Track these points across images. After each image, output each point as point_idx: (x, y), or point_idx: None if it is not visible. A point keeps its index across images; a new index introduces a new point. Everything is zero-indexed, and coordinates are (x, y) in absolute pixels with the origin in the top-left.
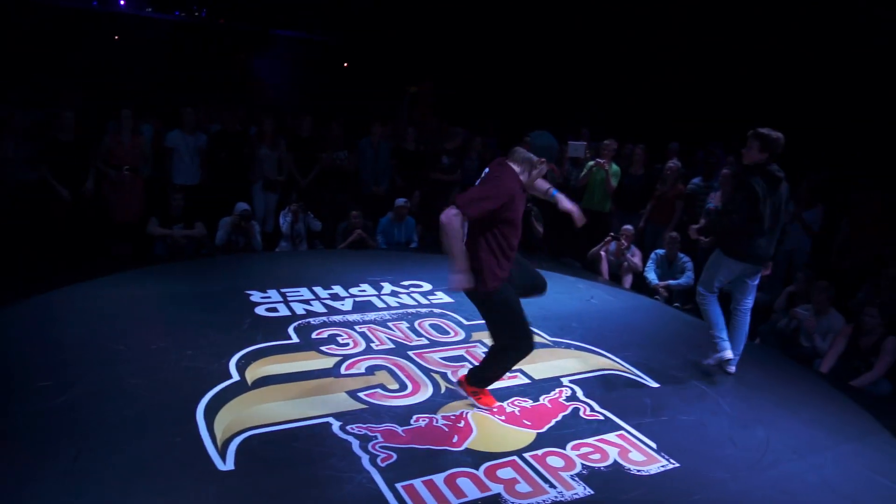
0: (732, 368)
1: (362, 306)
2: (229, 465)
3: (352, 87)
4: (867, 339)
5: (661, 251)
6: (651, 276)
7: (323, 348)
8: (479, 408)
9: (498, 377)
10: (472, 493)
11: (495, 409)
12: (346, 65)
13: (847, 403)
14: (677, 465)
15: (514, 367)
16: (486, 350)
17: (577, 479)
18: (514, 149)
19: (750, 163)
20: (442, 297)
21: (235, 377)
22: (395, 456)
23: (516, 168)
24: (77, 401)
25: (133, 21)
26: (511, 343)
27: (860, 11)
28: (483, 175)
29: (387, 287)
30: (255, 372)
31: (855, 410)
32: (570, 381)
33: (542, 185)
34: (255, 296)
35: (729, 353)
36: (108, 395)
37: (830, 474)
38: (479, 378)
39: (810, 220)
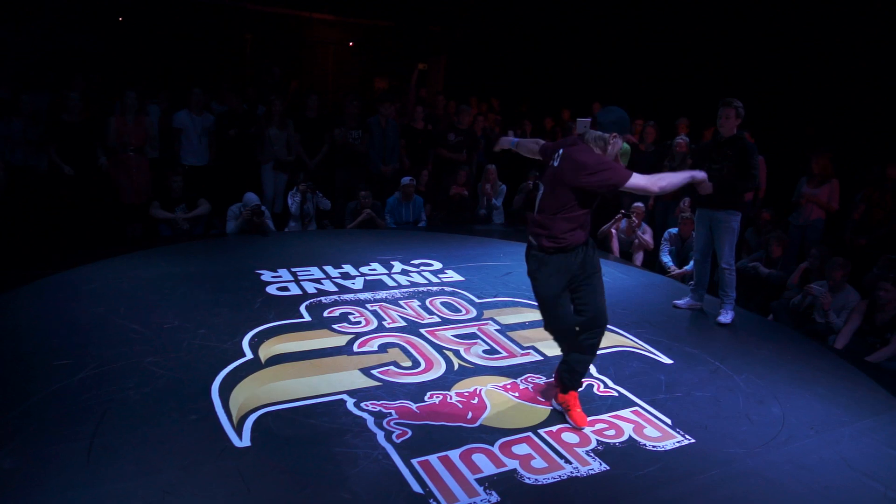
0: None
1: (373, 285)
2: (245, 441)
3: (359, 64)
4: (882, 315)
5: (673, 230)
6: (666, 259)
7: (335, 326)
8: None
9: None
10: (488, 468)
11: (509, 386)
12: (350, 44)
13: (863, 379)
14: (693, 440)
15: (528, 345)
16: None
17: (592, 454)
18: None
19: (730, 134)
20: (453, 275)
21: (249, 355)
22: (410, 432)
23: (593, 149)
24: (94, 380)
25: (138, 2)
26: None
27: None
28: (559, 155)
29: (397, 266)
30: (268, 350)
31: (871, 386)
32: None
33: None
34: (266, 275)
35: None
36: (125, 373)
37: (847, 450)
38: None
39: (824, 196)
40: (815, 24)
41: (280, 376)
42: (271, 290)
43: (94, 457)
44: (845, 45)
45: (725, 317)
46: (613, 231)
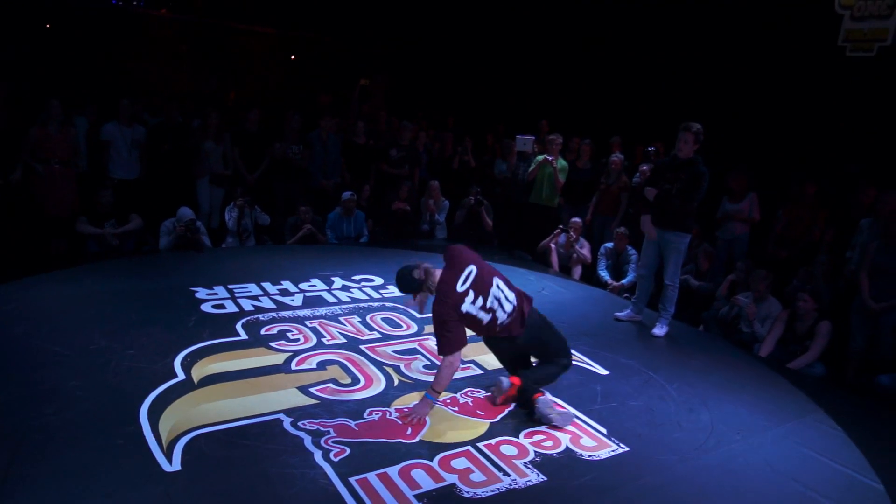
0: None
1: (312, 301)
2: (175, 465)
3: (301, 79)
4: (802, 324)
5: (609, 245)
6: (603, 273)
7: (273, 344)
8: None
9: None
10: (427, 484)
11: (449, 400)
12: (293, 57)
13: (785, 385)
14: (627, 449)
15: (468, 359)
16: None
17: (530, 466)
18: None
19: (687, 157)
20: (394, 290)
21: (181, 376)
22: (348, 450)
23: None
24: (11, 404)
25: (67, 9)
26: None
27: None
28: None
29: (337, 282)
30: (201, 370)
31: (792, 392)
32: None
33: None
34: (201, 292)
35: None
36: (45, 397)
37: (771, 453)
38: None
39: (745, 210)
40: (738, 46)
41: (214, 397)
42: (206, 307)
43: (9, 488)
44: (766, 65)
45: (660, 330)
46: (553, 246)
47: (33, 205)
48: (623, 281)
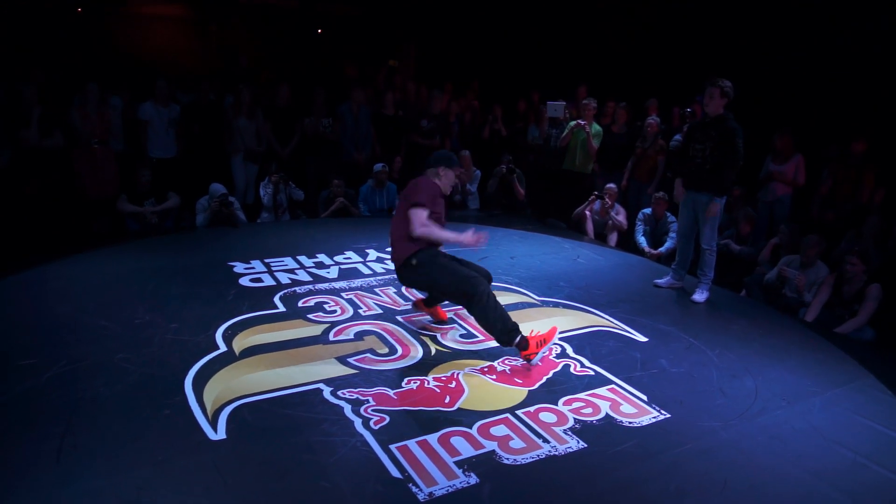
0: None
1: (348, 273)
2: (221, 434)
3: (328, 54)
4: (850, 288)
5: (647, 210)
6: (641, 239)
7: (310, 316)
8: (470, 369)
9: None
10: (467, 451)
11: (486, 369)
12: (319, 31)
13: (832, 350)
14: (668, 415)
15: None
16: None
17: (570, 433)
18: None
19: (716, 113)
20: None
21: (223, 348)
22: (387, 418)
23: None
24: (62, 378)
25: None
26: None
27: None
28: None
29: (372, 253)
30: (242, 342)
31: (840, 357)
32: (560, 339)
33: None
34: (239, 267)
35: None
36: (94, 370)
37: (818, 419)
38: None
39: (790, 172)
40: (779, 4)
41: (255, 368)
42: (244, 281)
43: (64, 456)
44: (809, 24)
45: (700, 295)
46: (587, 213)
47: (76, 185)
48: (661, 249)
